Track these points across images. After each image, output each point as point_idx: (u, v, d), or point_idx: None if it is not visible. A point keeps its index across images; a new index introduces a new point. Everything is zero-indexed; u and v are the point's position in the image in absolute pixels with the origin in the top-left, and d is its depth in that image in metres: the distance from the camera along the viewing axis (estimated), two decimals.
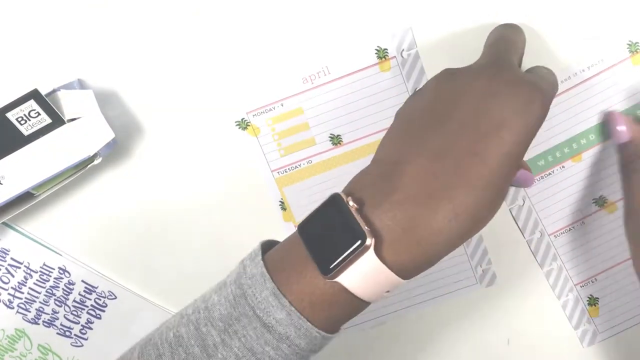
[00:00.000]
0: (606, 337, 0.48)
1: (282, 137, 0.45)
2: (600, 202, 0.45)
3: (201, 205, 0.46)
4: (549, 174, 0.45)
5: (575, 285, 0.47)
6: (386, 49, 0.43)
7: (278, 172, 0.45)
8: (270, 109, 0.44)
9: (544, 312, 0.48)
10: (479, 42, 0.41)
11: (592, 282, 0.47)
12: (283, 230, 0.47)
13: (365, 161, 0.44)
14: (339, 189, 0.44)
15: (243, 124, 0.44)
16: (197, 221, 0.47)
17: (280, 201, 0.46)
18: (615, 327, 0.48)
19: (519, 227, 0.46)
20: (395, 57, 0.43)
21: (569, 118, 0.44)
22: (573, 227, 0.46)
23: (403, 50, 0.43)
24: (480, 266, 0.47)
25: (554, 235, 0.46)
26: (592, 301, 0.48)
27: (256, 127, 0.44)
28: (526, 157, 0.44)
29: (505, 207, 0.45)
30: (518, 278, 0.47)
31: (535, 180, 0.45)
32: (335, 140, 0.45)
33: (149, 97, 0.44)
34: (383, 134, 0.44)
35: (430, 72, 0.43)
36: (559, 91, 0.43)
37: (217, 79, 0.43)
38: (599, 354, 0.49)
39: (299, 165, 0.45)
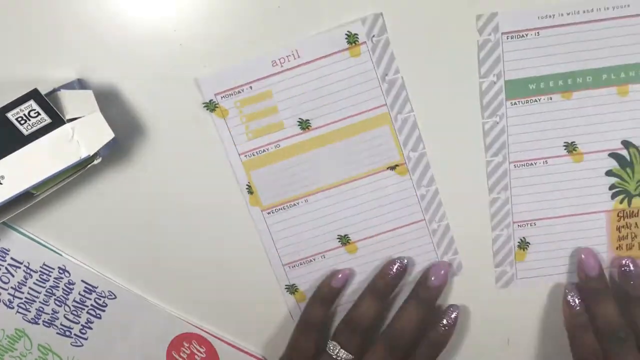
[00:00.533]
0: (521, 286, 0.48)
1: (250, 119, 0.44)
2: (571, 148, 0.44)
3: (201, 205, 0.46)
4: (535, 100, 0.43)
5: (513, 222, 0.46)
6: (357, 34, 0.42)
7: (245, 156, 0.45)
8: (239, 92, 0.43)
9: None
10: (451, 29, 0.41)
11: (531, 225, 0.46)
12: (250, 214, 0.46)
13: (333, 147, 0.44)
14: (307, 174, 0.45)
15: (211, 106, 0.44)
16: (198, 221, 0.47)
17: (247, 185, 0.46)
18: (533, 279, 0.47)
19: (485, 144, 0.45)
20: (365, 42, 0.42)
21: (577, 51, 0.42)
22: (535, 163, 0.45)
23: (374, 36, 0.42)
24: (447, 255, 0.47)
25: (514, 165, 0.45)
26: (523, 245, 0.47)
27: (224, 109, 0.44)
28: (518, 76, 0.43)
29: (479, 120, 0.44)
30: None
31: (514, 104, 0.43)
32: (304, 125, 0.44)
33: (148, 98, 0.44)
34: (352, 119, 0.44)
35: (401, 59, 0.42)
36: (581, 20, 0.41)
37: (186, 61, 0.42)
38: (507, 299, 0.48)
39: (267, 149, 0.45)
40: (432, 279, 0.46)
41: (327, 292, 0.47)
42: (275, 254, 0.48)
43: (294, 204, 0.46)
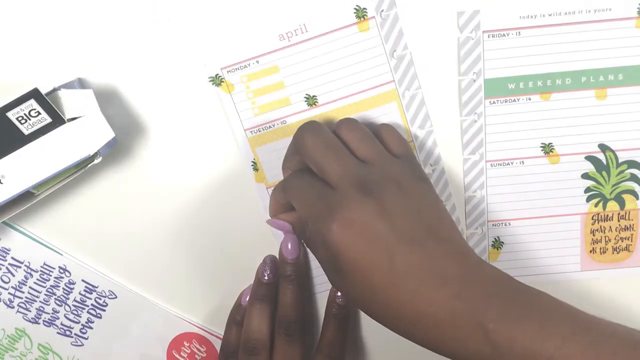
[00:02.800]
0: None
1: (256, 95, 0.43)
2: (548, 149, 0.44)
3: (203, 204, 0.46)
4: (514, 100, 0.43)
5: (488, 221, 0.46)
6: (365, 9, 0.41)
7: (251, 132, 0.44)
8: (245, 66, 0.42)
9: None
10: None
11: (505, 225, 0.46)
12: (255, 191, 0.46)
13: None
14: None
15: (217, 80, 0.43)
16: (199, 220, 0.47)
17: (253, 161, 0.45)
18: None
19: (462, 142, 0.45)
20: (374, 17, 0.42)
21: (557, 53, 0.42)
22: (511, 163, 0.45)
23: (382, 10, 0.41)
24: None
25: (491, 164, 0.45)
26: (497, 244, 0.47)
27: (230, 84, 0.43)
28: (498, 75, 0.43)
29: (457, 117, 0.44)
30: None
31: (493, 103, 0.43)
32: (311, 101, 0.43)
33: (149, 97, 0.44)
34: (360, 96, 0.43)
35: (409, 35, 0.42)
36: (563, 22, 0.41)
37: (187, 59, 0.42)
38: None
39: (273, 125, 0.44)
40: (286, 256, 0.45)
41: (241, 314, 0.46)
42: (280, 233, 0.46)
43: None
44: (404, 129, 0.44)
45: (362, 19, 0.42)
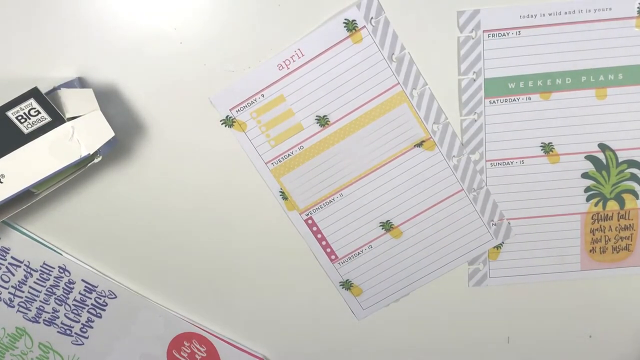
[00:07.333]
0: (493, 284, 0.47)
1: (269, 127, 0.44)
2: (547, 148, 0.44)
3: (201, 204, 0.46)
4: (514, 100, 0.43)
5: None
6: (354, 20, 0.41)
7: (272, 163, 0.45)
8: (252, 102, 0.43)
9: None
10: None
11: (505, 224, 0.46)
12: (289, 219, 0.46)
13: (356, 137, 0.44)
14: (336, 168, 0.45)
15: (228, 122, 0.43)
16: (198, 220, 0.46)
17: (280, 191, 0.45)
18: (506, 278, 0.47)
19: (461, 141, 0.44)
20: (365, 26, 0.42)
21: (557, 52, 0.42)
22: (511, 163, 0.45)
23: (372, 18, 0.41)
24: (493, 221, 0.47)
25: (491, 163, 0.45)
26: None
27: (242, 122, 0.43)
28: (498, 75, 0.43)
29: (458, 116, 0.44)
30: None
31: (493, 102, 0.43)
32: (322, 121, 0.44)
33: (149, 96, 0.44)
34: (369, 105, 0.43)
35: (404, 36, 0.42)
36: (562, 21, 0.41)
37: (186, 59, 0.42)
38: (479, 298, 0.48)
39: (292, 153, 0.44)
40: None
41: None
42: (322, 253, 0.47)
43: (330, 201, 0.46)
44: (419, 128, 0.44)
45: (353, 31, 0.42)
